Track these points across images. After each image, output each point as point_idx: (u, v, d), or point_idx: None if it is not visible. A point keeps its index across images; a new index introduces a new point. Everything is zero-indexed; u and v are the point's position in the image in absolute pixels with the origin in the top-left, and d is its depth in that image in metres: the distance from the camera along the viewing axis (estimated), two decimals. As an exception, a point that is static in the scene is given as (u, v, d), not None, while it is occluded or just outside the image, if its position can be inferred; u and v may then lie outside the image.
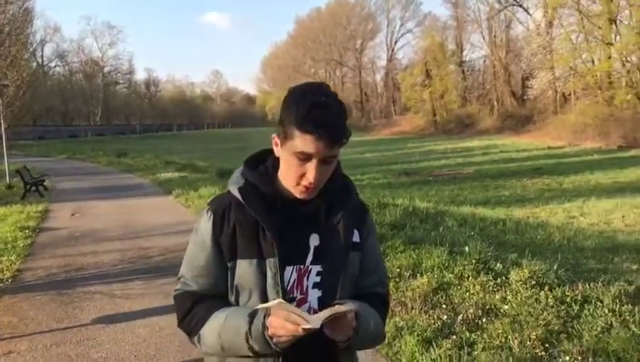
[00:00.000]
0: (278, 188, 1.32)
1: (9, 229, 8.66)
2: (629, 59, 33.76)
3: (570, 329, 3.76)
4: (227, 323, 1.26)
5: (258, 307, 1.23)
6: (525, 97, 46.47)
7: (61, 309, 4.92)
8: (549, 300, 4.21)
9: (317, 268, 1.32)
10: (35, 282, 5.88)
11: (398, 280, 5.01)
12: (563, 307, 4.11)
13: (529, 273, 4.69)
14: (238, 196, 1.31)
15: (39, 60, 69.50)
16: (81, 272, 6.23)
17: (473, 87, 58.60)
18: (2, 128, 15.86)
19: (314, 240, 1.33)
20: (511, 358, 3.34)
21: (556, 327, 3.79)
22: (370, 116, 79.40)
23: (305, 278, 1.31)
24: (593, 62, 36.49)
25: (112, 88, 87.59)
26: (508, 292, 4.48)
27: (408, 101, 61.80)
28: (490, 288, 4.62)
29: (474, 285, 4.69)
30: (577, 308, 4.08)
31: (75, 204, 12.15)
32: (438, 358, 3.43)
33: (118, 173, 21.30)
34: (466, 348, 3.56)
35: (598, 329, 3.70)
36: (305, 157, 1.22)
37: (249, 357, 1.25)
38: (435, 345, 3.59)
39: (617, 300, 4.09)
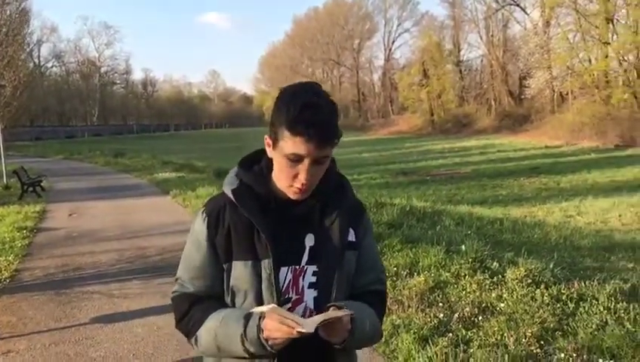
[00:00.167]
0: (272, 188, 1.32)
1: (7, 230, 8.66)
2: (626, 58, 33.88)
3: (565, 327, 3.80)
4: (223, 326, 1.26)
5: (253, 310, 1.24)
6: (523, 97, 46.51)
7: (59, 309, 4.93)
8: (545, 298, 4.24)
9: (312, 268, 1.32)
10: (33, 282, 5.89)
11: (395, 278, 5.04)
12: (558, 305, 4.14)
13: (525, 271, 4.72)
14: (232, 198, 1.32)
15: (36, 61, 69.51)
16: (79, 272, 6.24)
17: (470, 87, 58.60)
18: (-1, 129, 15.87)
19: (309, 241, 1.33)
20: (506, 355, 3.36)
21: (551, 325, 3.82)
22: (368, 116, 79.27)
23: (300, 278, 1.31)
24: (590, 61, 36.58)
25: (109, 88, 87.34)
26: (504, 291, 4.51)
27: (406, 101, 61.74)
28: (487, 286, 4.64)
29: (470, 283, 4.72)
30: (573, 305, 4.12)
31: (72, 204, 12.14)
32: (435, 356, 3.45)
33: (116, 173, 21.24)
34: (462, 345, 3.58)
35: (593, 326, 3.73)
36: (296, 159, 1.22)
37: (245, 358, 1.26)
38: (431, 343, 3.62)
39: (612, 298, 4.12)
